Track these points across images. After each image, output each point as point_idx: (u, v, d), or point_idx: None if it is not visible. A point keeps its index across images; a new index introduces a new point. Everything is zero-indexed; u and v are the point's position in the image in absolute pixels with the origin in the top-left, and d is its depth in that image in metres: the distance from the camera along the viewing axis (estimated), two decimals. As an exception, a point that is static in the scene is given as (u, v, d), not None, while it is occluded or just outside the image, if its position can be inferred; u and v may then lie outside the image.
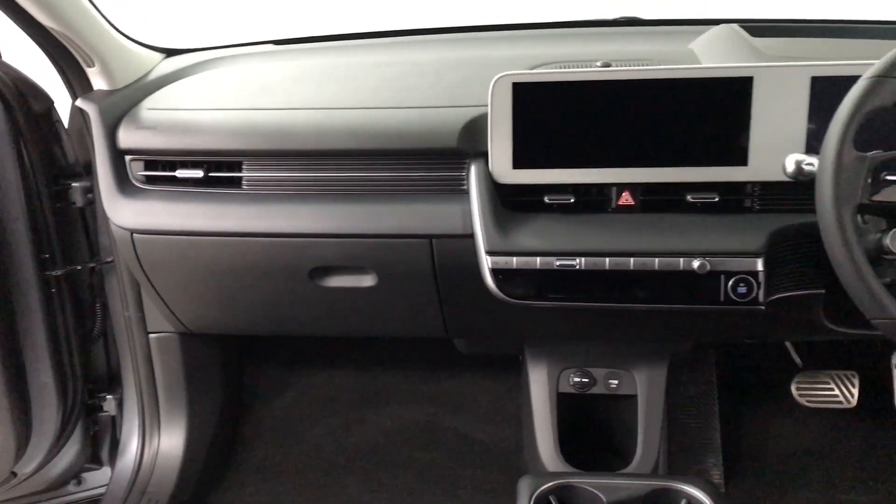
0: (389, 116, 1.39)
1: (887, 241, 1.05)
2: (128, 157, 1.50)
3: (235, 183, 1.45)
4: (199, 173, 1.45)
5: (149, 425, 1.85)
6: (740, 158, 1.27)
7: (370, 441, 2.10)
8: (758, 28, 1.53)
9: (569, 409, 1.69)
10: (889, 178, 1.04)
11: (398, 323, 1.60)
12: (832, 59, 1.24)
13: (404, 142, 1.37)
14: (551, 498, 1.27)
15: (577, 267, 1.28)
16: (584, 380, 1.68)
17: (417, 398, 2.17)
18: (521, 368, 1.78)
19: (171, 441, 1.86)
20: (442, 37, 1.83)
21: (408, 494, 1.97)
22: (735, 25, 1.54)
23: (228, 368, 2.04)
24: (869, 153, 1.06)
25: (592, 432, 1.76)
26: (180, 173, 1.46)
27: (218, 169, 1.45)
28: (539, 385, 1.69)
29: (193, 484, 1.89)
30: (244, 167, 1.44)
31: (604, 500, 1.25)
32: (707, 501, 1.23)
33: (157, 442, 1.85)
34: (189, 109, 1.50)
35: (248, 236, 1.43)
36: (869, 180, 1.05)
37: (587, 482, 1.28)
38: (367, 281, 1.46)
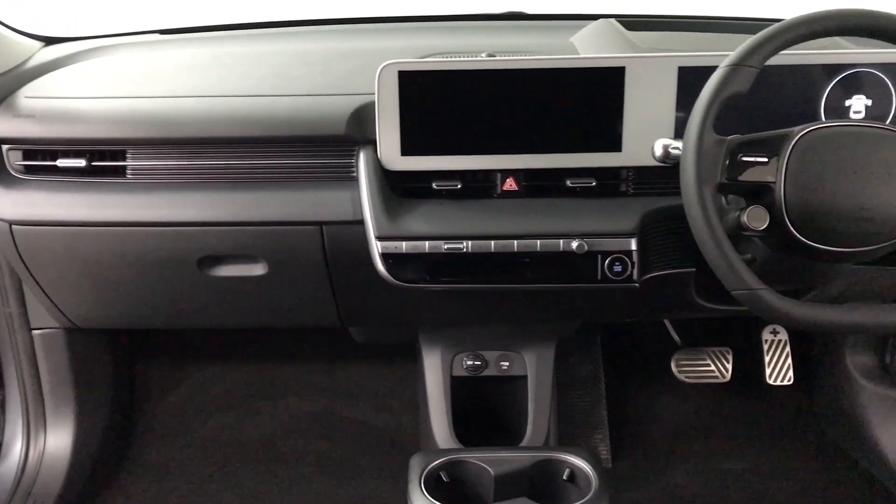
0: (276, 104, 1.40)
1: (745, 217, 1.12)
2: (4, 147, 1.45)
3: (120, 172, 1.43)
4: (81, 163, 1.42)
5: (34, 425, 1.79)
6: (615, 145, 1.34)
7: (266, 434, 2.09)
8: (633, 23, 1.61)
9: (462, 392, 1.74)
10: (745, 158, 1.12)
11: (291, 312, 1.61)
12: (699, 51, 1.32)
13: (292, 129, 1.38)
14: (441, 473, 1.31)
15: (465, 250, 1.32)
16: (476, 363, 1.73)
17: (313, 389, 2.17)
18: (416, 355, 1.82)
19: (58, 441, 1.81)
20: (330, 28, 1.84)
21: (306, 484, 1.97)
22: (612, 20, 1.62)
23: (118, 364, 1.99)
24: (728, 137, 1.14)
25: (485, 414, 1.81)
26: (62, 163, 1.42)
27: (101, 158, 1.43)
28: (433, 370, 1.73)
29: (82, 484, 1.84)
30: (129, 156, 1.42)
31: (491, 472, 1.30)
32: (588, 469, 1.29)
33: (42, 442, 1.80)
34: (70, 98, 1.47)
35: (133, 226, 1.41)
36: (727, 161, 1.12)
37: (476, 457, 1.33)
38: (258, 270, 1.46)
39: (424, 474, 1.29)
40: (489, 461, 1.32)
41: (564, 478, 1.32)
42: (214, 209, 1.39)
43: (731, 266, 1.09)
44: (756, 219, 1.12)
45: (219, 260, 1.46)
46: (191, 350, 2.20)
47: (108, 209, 1.40)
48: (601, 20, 1.64)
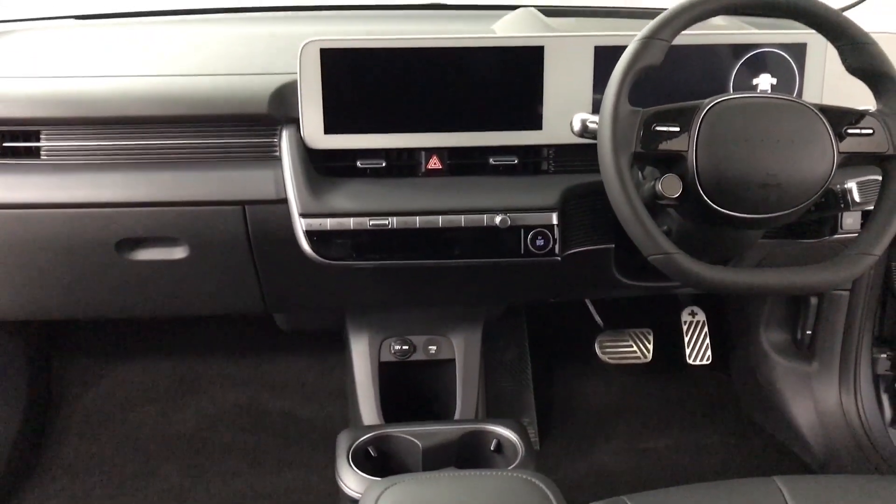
0: (196, 83, 1.38)
1: (659, 186, 1.16)
2: None
3: (34, 153, 1.38)
4: None
5: None
6: (535, 123, 1.37)
7: (190, 427, 2.05)
8: (552, 11, 1.65)
9: (391, 377, 1.74)
10: (659, 128, 1.15)
11: (214, 299, 1.58)
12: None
13: (212, 108, 1.36)
14: (369, 448, 1.31)
15: (390, 226, 1.33)
16: (404, 347, 1.73)
17: (239, 380, 2.14)
18: (343, 343, 1.81)
19: None
20: (252, 15, 1.82)
21: (233, 477, 1.94)
22: (532, 8, 1.65)
23: (34, 359, 1.93)
24: (642, 108, 1.18)
25: (414, 399, 1.82)
26: None
27: (14, 139, 1.38)
28: (361, 356, 1.73)
29: None
30: (43, 137, 1.38)
31: (420, 445, 1.30)
32: (515, 439, 1.31)
33: None
34: None
35: (48, 207, 1.37)
36: (641, 132, 1.16)
37: (404, 431, 1.33)
38: (179, 253, 1.44)
39: (352, 449, 1.29)
40: (417, 434, 1.33)
41: (492, 448, 1.33)
42: (133, 189, 1.36)
43: (647, 231, 1.12)
44: (670, 187, 1.16)
45: (138, 243, 1.43)
46: (110, 345, 2.14)
47: (22, 191, 1.36)
48: (521, 9, 1.67)
